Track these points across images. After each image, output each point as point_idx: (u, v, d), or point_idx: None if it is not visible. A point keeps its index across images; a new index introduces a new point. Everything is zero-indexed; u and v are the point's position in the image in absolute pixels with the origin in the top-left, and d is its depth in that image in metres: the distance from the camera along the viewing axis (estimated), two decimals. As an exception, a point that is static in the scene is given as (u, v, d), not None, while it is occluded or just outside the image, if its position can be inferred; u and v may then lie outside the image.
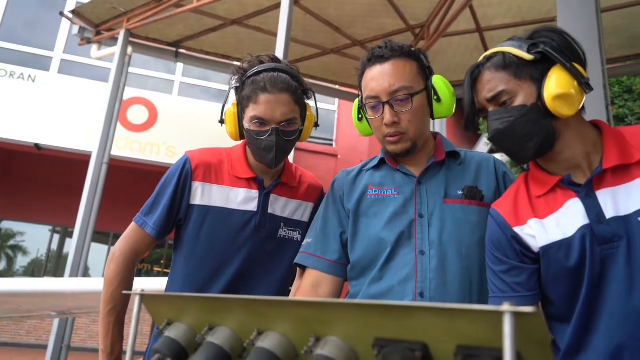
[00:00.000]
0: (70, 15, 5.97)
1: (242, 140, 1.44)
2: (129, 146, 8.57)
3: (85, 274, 5.56)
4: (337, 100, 10.79)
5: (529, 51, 0.99)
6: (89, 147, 7.09)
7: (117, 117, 5.98)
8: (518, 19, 5.22)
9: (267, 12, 5.33)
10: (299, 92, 1.36)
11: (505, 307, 0.45)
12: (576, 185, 1.02)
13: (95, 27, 6.11)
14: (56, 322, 5.15)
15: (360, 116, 1.35)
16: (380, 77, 1.23)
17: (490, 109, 1.03)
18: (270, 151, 1.32)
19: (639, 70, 7.03)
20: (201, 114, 8.85)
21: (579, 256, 0.99)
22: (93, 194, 5.48)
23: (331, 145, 11.28)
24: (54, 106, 8.43)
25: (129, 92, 8.31)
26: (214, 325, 0.71)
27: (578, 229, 0.99)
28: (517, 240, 1.07)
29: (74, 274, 5.15)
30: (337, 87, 6.91)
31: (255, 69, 1.35)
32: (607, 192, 0.99)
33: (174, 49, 6.27)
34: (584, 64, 1.02)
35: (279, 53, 3.90)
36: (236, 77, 1.38)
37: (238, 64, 1.41)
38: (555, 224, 1.02)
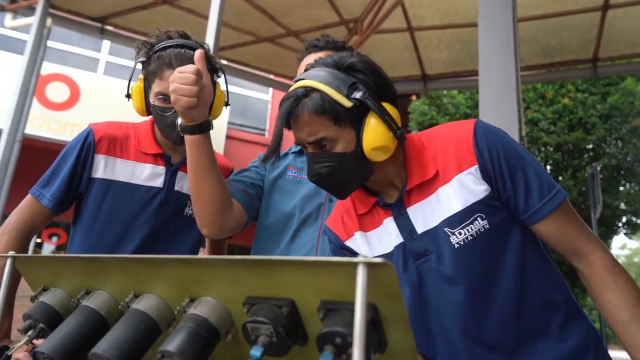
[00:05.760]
0: (-19, -21, 5.49)
1: (150, 116, 1.40)
2: (47, 125, 8.02)
3: (-10, 260, 5.13)
4: (271, 89, 10.71)
5: (348, 95, 0.95)
6: (0, 124, 6.56)
7: (33, 94, 5.56)
8: (445, 21, 5.43)
9: (200, -6, 5.17)
10: (207, 70, 1.33)
11: (359, 258, 0.48)
12: (389, 205, 1.05)
13: (9, -7, 5.65)
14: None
15: None
16: None
17: (310, 149, 1.01)
18: (175, 128, 1.29)
19: (551, 78, 7.59)
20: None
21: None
22: (3, 174, 5.08)
23: (264, 135, 11.20)
24: (-40, 78, 7.72)
25: (48, 68, 7.76)
26: (91, 290, 0.69)
27: (395, 247, 1.04)
28: (350, 251, 1.11)
29: (-24, 259, 4.76)
30: (271, 76, 6.83)
31: (162, 44, 1.32)
32: (417, 207, 1.02)
33: (99, 25, 5.91)
34: (395, 102, 1.03)
35: (210, 37, 3.79)
36: (143, 51, 1.35)
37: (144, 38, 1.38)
38: (377, 240, 1.07)
